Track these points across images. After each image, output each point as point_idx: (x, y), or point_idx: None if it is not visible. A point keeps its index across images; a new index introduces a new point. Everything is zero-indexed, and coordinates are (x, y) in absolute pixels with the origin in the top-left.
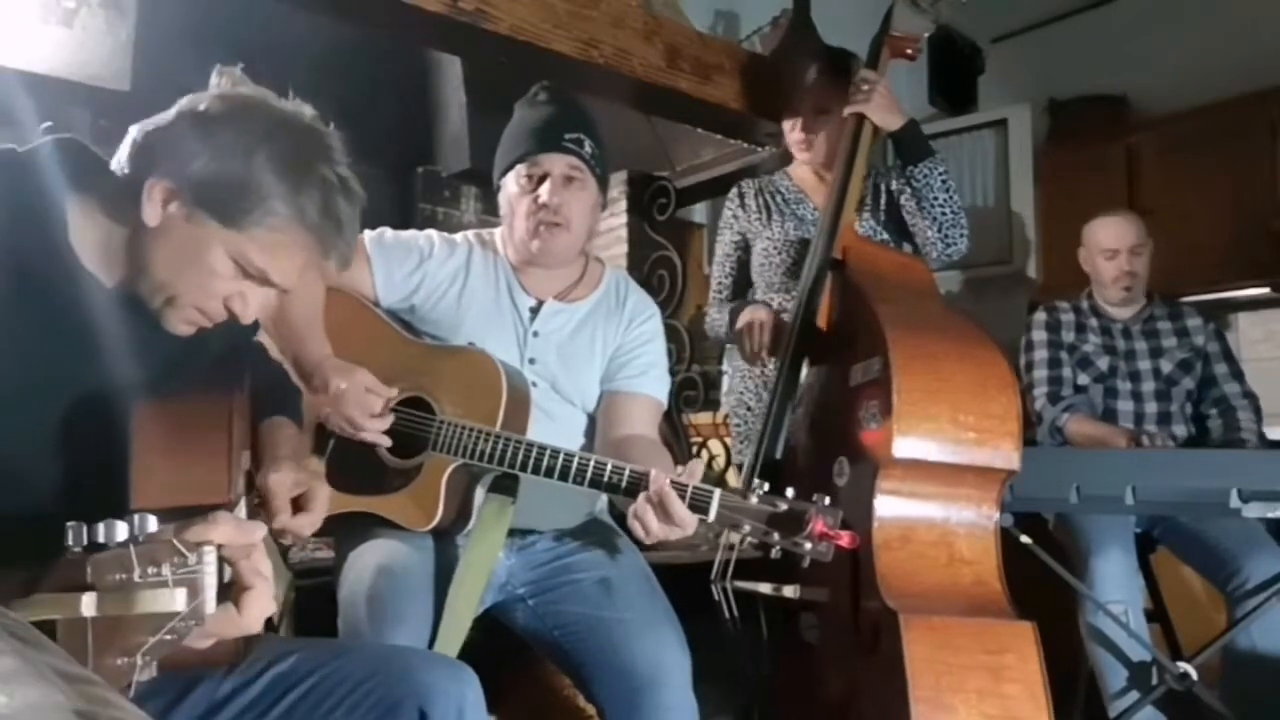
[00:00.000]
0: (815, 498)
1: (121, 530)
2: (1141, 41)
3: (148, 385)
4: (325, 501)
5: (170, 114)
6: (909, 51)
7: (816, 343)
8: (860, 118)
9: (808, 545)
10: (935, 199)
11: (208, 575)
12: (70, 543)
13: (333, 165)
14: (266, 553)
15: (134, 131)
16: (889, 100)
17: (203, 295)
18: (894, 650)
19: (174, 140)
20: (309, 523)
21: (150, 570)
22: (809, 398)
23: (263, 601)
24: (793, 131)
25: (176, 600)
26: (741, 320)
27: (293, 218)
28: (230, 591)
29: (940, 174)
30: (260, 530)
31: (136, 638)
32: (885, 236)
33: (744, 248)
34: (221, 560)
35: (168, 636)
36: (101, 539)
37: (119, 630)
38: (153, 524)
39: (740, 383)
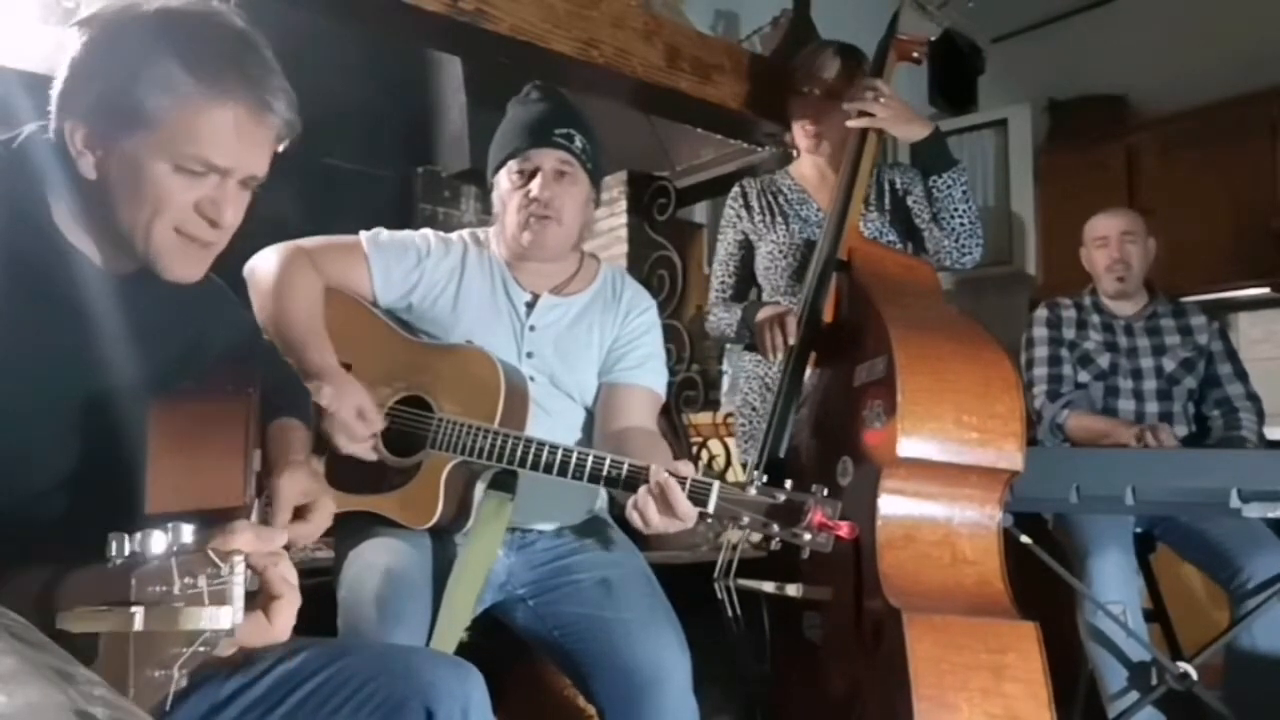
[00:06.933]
0: (814, 488)
1: (159, 541)
2: (1141, 41)
3: (157, 380)
4: (328, 515)
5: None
6: (915, 55)
7: (821, 343)
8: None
9: (807, 536)
10: (955, 209)
11: (237, 585)
12: (113, 554)
13: (223, 25)
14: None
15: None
16: (905, 111)
17: (170, 212)
18: (897, 649)
19: (68, 86)
20: (306, 533)
21: (188, 581)
22: (813, 398)
23: (291, 609)
24: (803, 129)
25: (220, 618)
26: (763, 315)
27: (195, 81)
28: (257, 600)
29: (962, 184)
30: (281, 537)
31: (173, 649)
32: (892, 237)
33: (747, 248)
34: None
35: (201, 648)
36: (140, 549)
37: (157, 644)
38: (188, 534)
39: (745, 383)
